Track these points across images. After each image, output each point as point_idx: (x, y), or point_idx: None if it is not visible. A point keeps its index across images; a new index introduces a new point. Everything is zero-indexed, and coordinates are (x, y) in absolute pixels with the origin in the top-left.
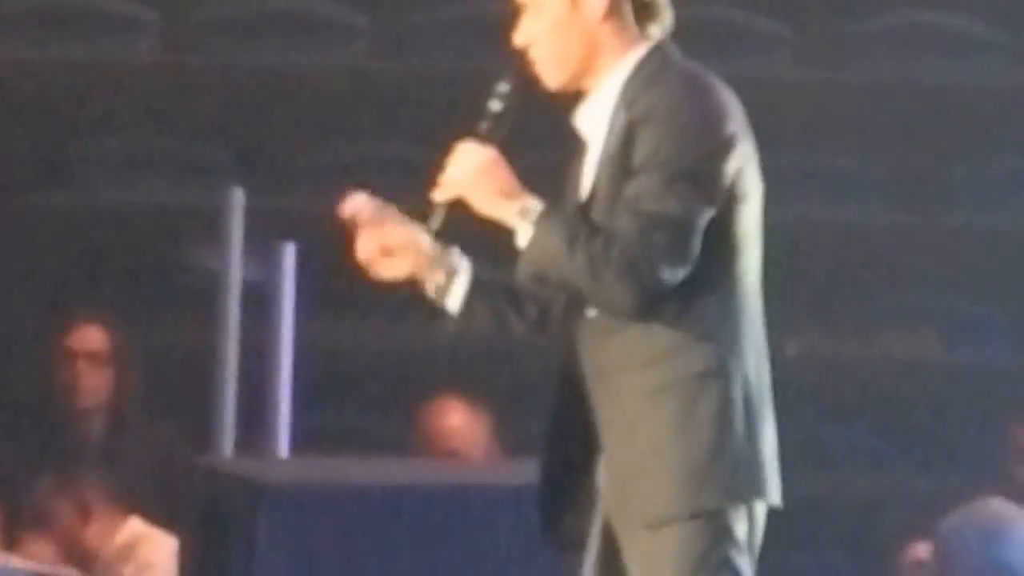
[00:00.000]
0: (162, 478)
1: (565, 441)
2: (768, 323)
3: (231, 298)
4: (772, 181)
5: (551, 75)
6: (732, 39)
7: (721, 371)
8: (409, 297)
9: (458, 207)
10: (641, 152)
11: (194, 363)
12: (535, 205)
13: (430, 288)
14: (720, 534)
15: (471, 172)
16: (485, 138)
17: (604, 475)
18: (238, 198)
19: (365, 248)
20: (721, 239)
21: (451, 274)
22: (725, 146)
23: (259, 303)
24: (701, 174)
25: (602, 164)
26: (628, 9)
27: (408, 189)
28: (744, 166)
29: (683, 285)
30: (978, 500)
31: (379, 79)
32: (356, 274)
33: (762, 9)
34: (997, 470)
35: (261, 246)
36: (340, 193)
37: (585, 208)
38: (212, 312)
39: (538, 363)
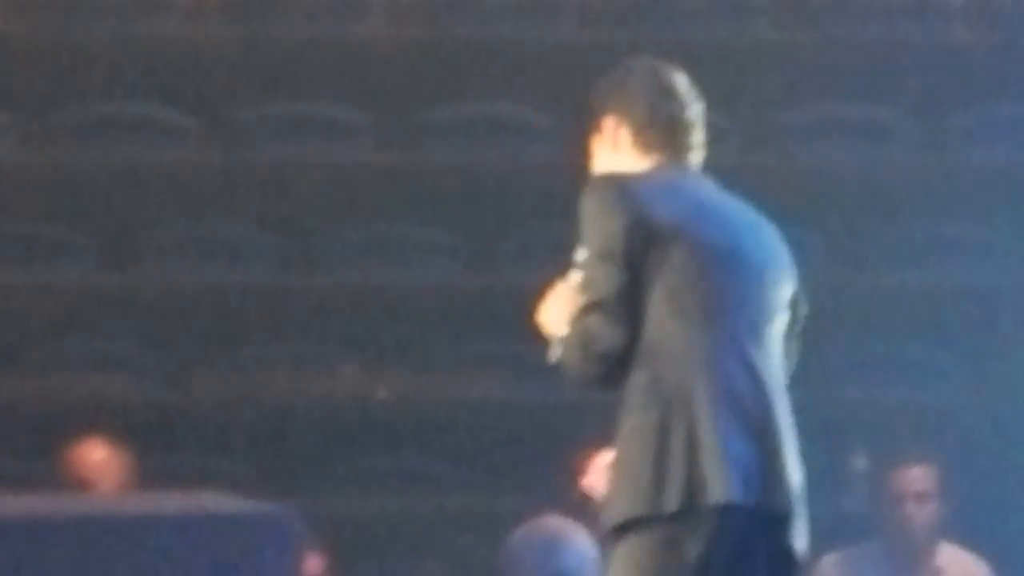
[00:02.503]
0: None
1: None
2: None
3: None
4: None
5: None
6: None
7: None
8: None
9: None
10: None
11: None
12: (560, 332)
13: None
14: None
15: (551, 306)
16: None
17: None
18: None
19: None
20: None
21: None
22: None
23: None
24: (605, 251)
25: None
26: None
27: None
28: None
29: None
30: (539, 518)
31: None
32: None
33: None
34: (557, 493)
35: None
36: None
37: None
38: None
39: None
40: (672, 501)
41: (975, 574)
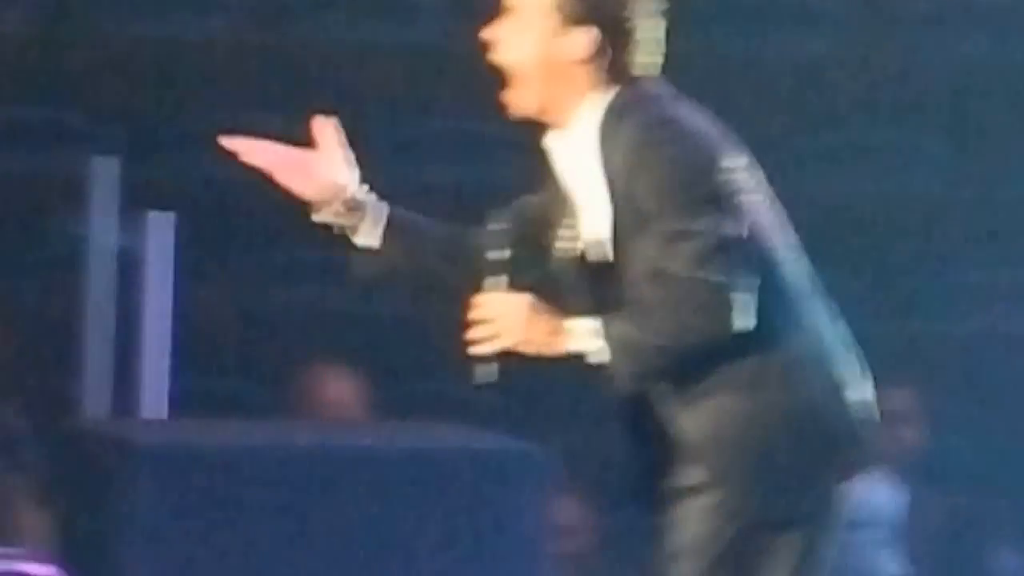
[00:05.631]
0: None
1: None
2: None
3: (96, 264)
4: None
5: (521, 103)
6: None
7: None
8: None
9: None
10: (648, 203)
11: (67, 330)
12: (586, 324)
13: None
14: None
15: (519, 327)
16: (502, 286)
17: None
18: (108, 166)
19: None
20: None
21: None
22: (712, 162)
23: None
24: (708, 193)
25: (617, 206)
26: (610, 47)
27: None
28: (735, 167)
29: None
30: None
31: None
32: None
33: None
34: None
35: (137, 215)
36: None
37: (615, 250)
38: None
39: (410, 331)
40: None
41: None
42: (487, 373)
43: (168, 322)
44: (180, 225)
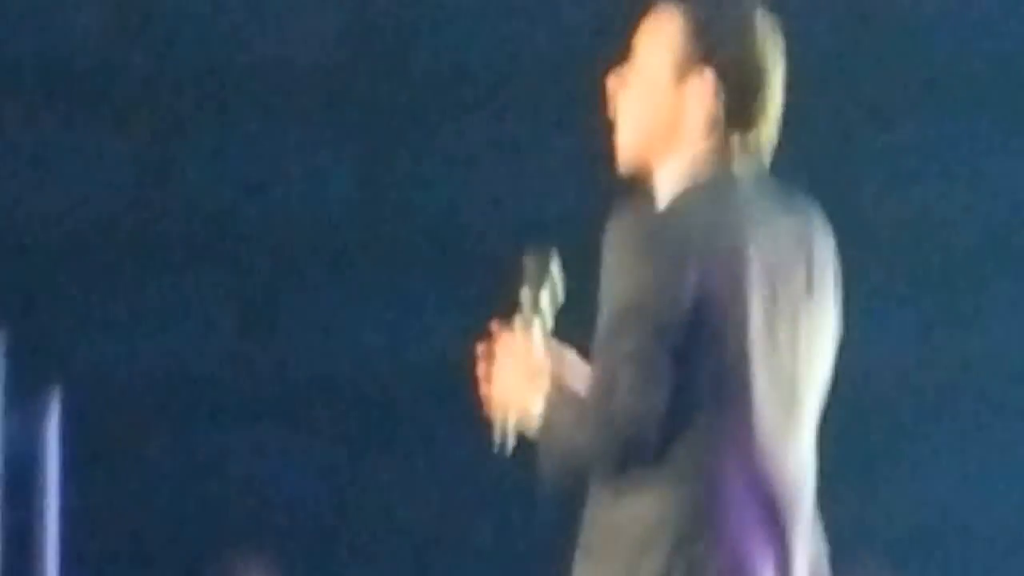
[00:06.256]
0: None
1: None
2: None
3: None
4: None
5: (625, 142)
6: None
7: None
8: None
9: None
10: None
11: None
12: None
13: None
14: None
15: (503, 376)
16: (532, 328)
17: None
18: None
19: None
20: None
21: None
22: (672, 272)
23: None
24: (646, 307)
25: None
26: (723, 114)
27: None
28: (708, 282)
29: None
30: None
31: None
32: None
33: None
34: None
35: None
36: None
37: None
38: None
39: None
40: None
41: None
42: (501, 440)
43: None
44: (67, 404)
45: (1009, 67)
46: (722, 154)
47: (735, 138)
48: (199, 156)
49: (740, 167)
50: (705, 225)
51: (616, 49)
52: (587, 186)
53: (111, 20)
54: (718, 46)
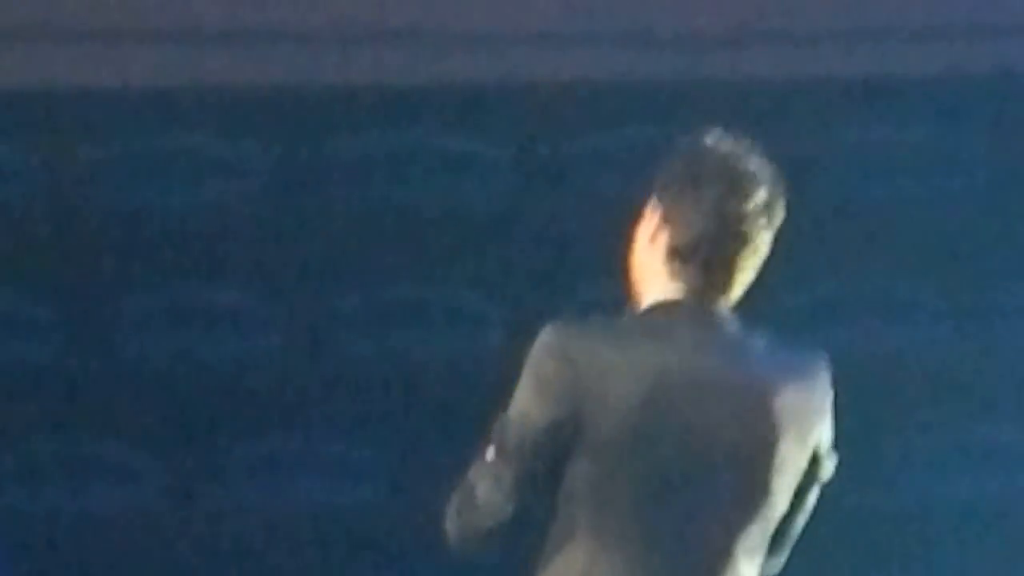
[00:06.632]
0: None
1: None
2: None
3: None
4: None
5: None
6: None
7: None
8: None
9: None
10: None
11: None
12: None
13: None
14: None
15: None
16: None
17: None
18: None
19: None
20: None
21: None
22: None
23: None
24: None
25: None
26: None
27: None
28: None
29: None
30: None
31: None
32: None
33: None
34: None
35: None
36: None
37: None
38: None
39: None
40: None
41: None
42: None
43: None
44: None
45: None
46: (675, 290)
47: (690, 277)
48: None
49: (694, 305)
50: (592, 339)
51: None
52: None
53: None
54: (663, 189)
